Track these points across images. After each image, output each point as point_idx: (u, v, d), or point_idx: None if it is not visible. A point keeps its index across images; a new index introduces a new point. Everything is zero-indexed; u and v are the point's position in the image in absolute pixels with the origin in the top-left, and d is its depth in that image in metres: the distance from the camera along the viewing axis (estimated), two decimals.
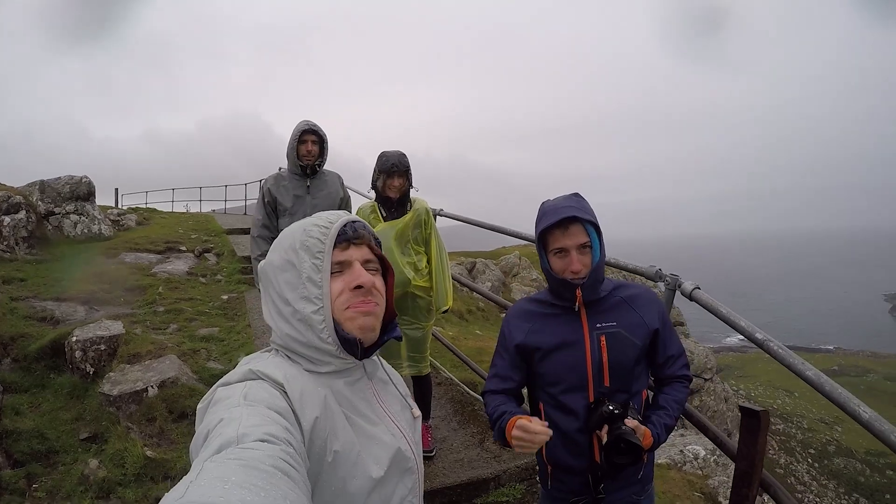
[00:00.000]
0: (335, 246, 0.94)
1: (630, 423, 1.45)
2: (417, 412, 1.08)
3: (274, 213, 3.12)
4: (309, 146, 3.08)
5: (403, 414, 1.04)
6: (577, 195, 1.58)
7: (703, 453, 5.88)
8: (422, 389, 3.13)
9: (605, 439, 1.46)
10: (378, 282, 0.98)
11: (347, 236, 0.95)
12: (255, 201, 3.19)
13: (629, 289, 1.65)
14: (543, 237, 1.55)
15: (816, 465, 17.57)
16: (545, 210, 1.56)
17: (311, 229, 0.94)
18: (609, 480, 1.57)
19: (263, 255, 3.10)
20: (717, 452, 5.90)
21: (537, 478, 1.74)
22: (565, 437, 1.58)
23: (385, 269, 1.03)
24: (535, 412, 1.69)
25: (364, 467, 0.87)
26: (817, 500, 15.36)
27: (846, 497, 16.00)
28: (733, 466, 1.93)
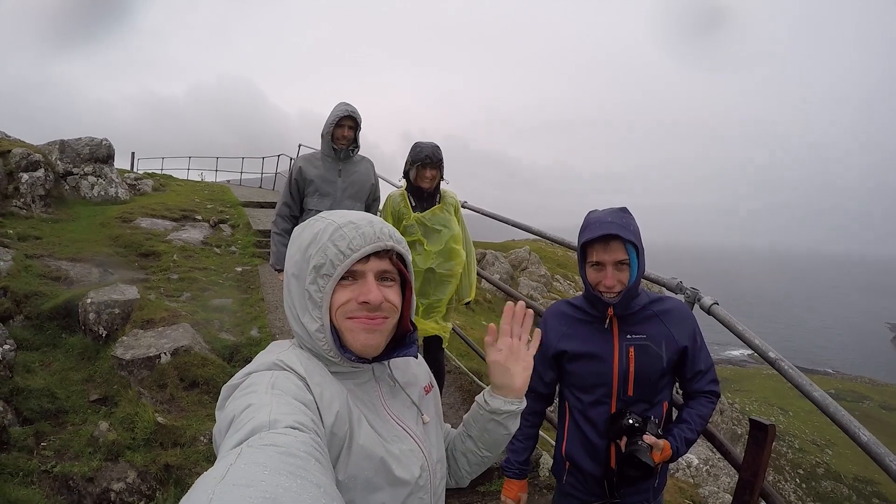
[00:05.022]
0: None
1: (648, 439, 1.49)
2: (427, 418, 1.05)
3: (298, 192, 3.18)
4: (345, 131, 3.12)
5: (412, 417, 1.01)
6: (624, 210, 1.58)
7: (696, 462, 5.91)
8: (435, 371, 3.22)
9: (624, 450, 1.52)
10: (392, 295, 0.92)
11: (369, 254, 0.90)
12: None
13: (664, 303, 1.66)
14: (584, 248, 1.58)
15: (804, 485, 17.57)
16: (589, 222, 1.57)
17: (329, 248, 0.87)
18: (625, 487, 1.61)
19: (280, 233, 3.17)
20: (710, 462, 5.93)
21: (548, 472, 1.81)
22: (585, 440, 1.65)
23: (404, 281, 0.97)
24: (561, 411, 1.76)
25: (386, 465, 0.88)
26: None
27: None
28: (724, 477, 1.98)
